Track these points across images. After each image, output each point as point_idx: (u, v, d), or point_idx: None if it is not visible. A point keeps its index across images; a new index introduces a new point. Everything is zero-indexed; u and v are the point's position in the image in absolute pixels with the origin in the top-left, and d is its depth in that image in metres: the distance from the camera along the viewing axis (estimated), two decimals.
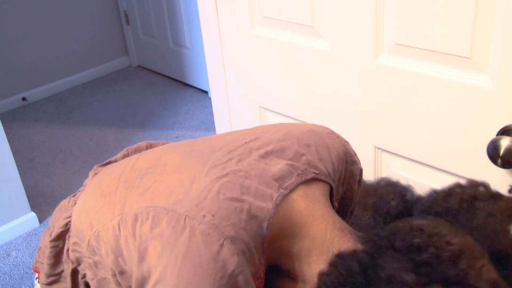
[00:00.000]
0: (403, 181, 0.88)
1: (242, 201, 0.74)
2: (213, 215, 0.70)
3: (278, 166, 0.80)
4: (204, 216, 0.70)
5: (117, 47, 3.78)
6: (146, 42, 3.66)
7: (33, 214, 2.28)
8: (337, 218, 0.79)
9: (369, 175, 1.16)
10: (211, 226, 0.69)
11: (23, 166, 2.74)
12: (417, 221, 0.71)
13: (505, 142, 0.83)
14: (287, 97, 1.25)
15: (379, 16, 0.98)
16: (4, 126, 3.12)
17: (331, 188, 0.87)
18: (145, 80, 3.64)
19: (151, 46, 3.63)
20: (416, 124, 1.01)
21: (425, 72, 0.96)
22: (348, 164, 0.93)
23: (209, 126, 2.99)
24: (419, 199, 0.84)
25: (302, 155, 0.85)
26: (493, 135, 0.90)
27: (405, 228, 0.70)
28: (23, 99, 3.40)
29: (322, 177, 0.84)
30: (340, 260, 0.71)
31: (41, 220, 2.33)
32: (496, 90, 0.87)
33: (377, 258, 0.70)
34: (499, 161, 0.85)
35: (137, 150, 1.02)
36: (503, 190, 0.94)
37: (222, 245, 0.68)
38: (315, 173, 0.83)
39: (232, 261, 0.68)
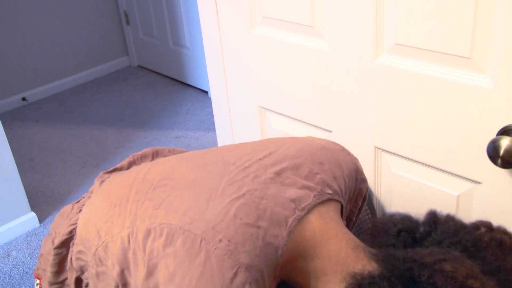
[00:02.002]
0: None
1: (258, 227, 0.73)
2: (229, 240, 0.70)
3: (293, 187, 0.80)
4: (220, 240, 0.70)
5: (117, 47, 3.78)
6: (146, 42, 3.66)
7: (33, 214, 2.28)
8: (351, 236, 0.79)
9: (369, 175, 1.17)
10: (226, 252, 0.69)
11: (23, 166, 2.74)
12: (447, 264, 0.68)
13: (505, 142, 0.83)
14: (287, 97, 1.25)
15: (379, 16, 0.98)
16: (4, 126, 3.12)
17: (341, 206, 0.87)
18: (145, 80, 3.64)
19: (151, 46, 3.63)
20: (416, 124, 1.01)
21: (425, 72, 0.96)
22: (357, 182, 0.93)
23: (209, 126, 2.99)
24: (439, 223, 0.81)
25: (316, 173, 0.84)
26: (493, 135, 0.90)
27: (434, 266, 0.68)
28: (23, 99, 3.40)
29: (336, 197, 0.84)
30: None
31: (41, 220, 2.33)
32: (496, 90, 0.87)
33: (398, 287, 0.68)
34: (499, 161, 0.85)
35: (143, 157, 1.01)
36: (503, 190, 0.94)
37: (236, 273, 0.68)
38: (330, 193, 0.83)
39: None
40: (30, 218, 2.27)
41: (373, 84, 1.05)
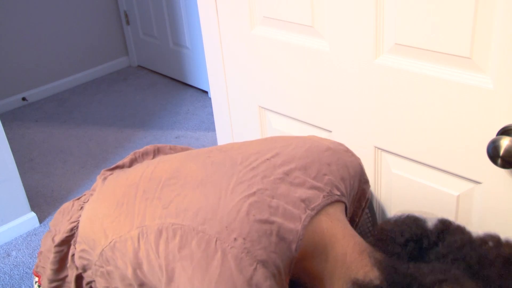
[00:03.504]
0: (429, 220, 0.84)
1: (271, 222, 0.73)
2: (244, 239, 0.70)
3: (303, 187, 0.80)
4: (235, 239, 0.70)
5: (117, 47, 3.78)
6: (146, 42, 3.66)
7: (33, 214, 2.28)
8: (357, 239, 0.79)
9: (369, 175, 1.16)
10: (243, 250, 0.69)
11: (23, 166, 2.74)
12: (447, 285, 0.67)
13: (505, 142, 0.83)
14: (287, 97, 1.25)
15: (379, 16, 0.98)
16: (4, 126, 3.12)
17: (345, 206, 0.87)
18: (145, 80, 3.64)
19: (151, 46, 3.63)
20: (416, 124, 1.01)
21: (425, 72, 0.96)
22: (361, 182, 0.93)
23: (209, 126, 2.99)
24: (448, 233, 0.79)
25: (324, 174, 0.85)
26: (493, 135, 0.90)
27: (433, 286, 0.68)
28: (23, 99, 3.40)
29: (343, 199, 0.84)
30: None
31: (41, 220, 2.33)
32: (496, 90, 0.87)
33: None
34: (499, 161, 0.85)
35: (145, 154, 1.01)
36: (503, 190, 0.94)
37: (255, 269, 0.68)
38: (338, 195, 0.83)
39: (265, 285, 0.68)
40: (30, 218, 2.27)
41: (373, 84, 1.05)
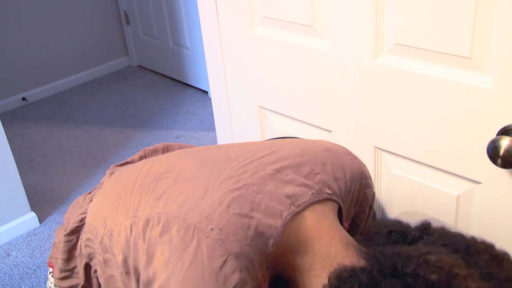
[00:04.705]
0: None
1: (250, 217, 0.74)
2: (220, 229, 0.72)
3: (292, 185, 0.81)
4: (212, 229, 0.72)
5: (117, 47, 3.78)
6: (146, 42, 3.66)
7: (33, 214, 2.29)
8: (344, 234, 0.79)
9: None
10: (217, 241, 0.71)
11: (23, 166, 2.74)
12: (432, 255, 0.69)
13: (505, 142, 0.83)
14: (287, 97, 1.25)
15: (379, 16, 0.98)
16: (4, 126, 3.12)
17: (340, 207, 0.87)
18: (145, 80, 3.64)
19: (151, 46, 3.63)
20: (416, 124, 1.01)
21: (425, 72, 0.96)
22: (362, 186, 0.93)
23: (209, 126, 2.99)
24: (431, 230, 0.81)
25: (317, 173, 0.85)
26: (493, 135, 0.90)
27: (419, 258, 0.69)
28: (23, 99, 3.40)
29: (334, 198, 0.84)
30: (340, 284, 0.71)
31: (41, 220, 2.33)
32: (496, 90, 0.87)
33: (378, 280, 0.69)
34: (499, 161, 0.85)
35: (154, 152, 1.04)
36: (503, 190, 0.94)
37: (225, 261, 0.70)
38: (329, 193, 0.83)
39: (233, 277, 0.69)
40: (30, 218, 2.27)
41: (373, 84, 1.05)
